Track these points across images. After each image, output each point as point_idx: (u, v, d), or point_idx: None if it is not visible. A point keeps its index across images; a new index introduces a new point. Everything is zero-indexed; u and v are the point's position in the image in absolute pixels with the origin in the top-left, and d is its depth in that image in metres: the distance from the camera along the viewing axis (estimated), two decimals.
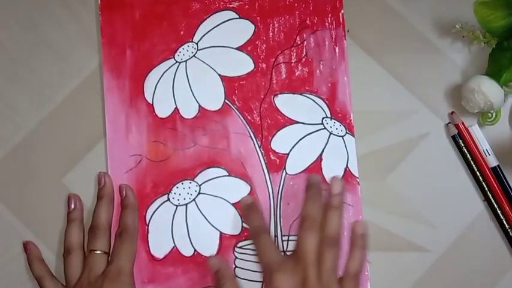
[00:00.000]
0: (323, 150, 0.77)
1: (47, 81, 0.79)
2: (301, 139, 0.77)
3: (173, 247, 0.76)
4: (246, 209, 0.75)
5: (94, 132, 0.78)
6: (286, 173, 0.76)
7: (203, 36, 0.78)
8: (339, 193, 0.69)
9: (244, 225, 0.76)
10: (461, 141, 0.77)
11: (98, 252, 0.72)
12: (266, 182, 0.76)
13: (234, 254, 0.75)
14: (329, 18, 0.78)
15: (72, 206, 0.76)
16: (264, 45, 0.78)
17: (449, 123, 0.78)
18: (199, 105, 0.77)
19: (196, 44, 0.78)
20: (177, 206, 0.76)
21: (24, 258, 0.77)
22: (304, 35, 0.78)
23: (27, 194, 0.78)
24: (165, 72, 0.78)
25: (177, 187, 0.76)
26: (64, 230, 0.75)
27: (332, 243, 0.67)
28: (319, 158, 0.77)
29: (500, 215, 0.76)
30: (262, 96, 0.77)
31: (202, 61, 0.78)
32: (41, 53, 0.79)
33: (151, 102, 0.77)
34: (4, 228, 0.77)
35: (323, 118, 0.77)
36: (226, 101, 0.77)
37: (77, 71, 0.79)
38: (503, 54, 0.75)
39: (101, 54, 0.78)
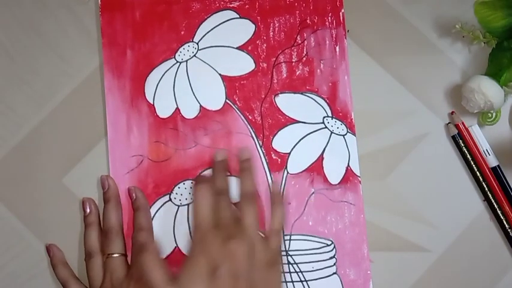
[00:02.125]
0: (324, 150, 0.77)
1: (47, 82, 0.79)
2: (302, 138, 0.77)
3: (175, 247, 0.75)
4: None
5: (94, 133, 0.78)
6: (288, 172, 0.76)
7: (204, 36, 0.78)
8: (247, 158, 0.74)
9: None
10: (461, 141, 0.77)
11: (116, 255, 0.72)
12: (268, 182, 0.76)
13: None
14: (329, 18, 0.78)
15: (88, 210, 0.76)
16: (265, 45, 0.78)
17: (449, 123, 0.78)
18: (200, 105, 0.77)
19: (197, 44, 0.78)
20: (178, 206, 0.76)
21: (23, 258, 0.77)
22: (305, 35, 0.78)
23: (27, 194, 0.77)
24: (165, 72, 0.78)
25: (179, 187, 0.76)
26: (83, 234, 0.75)
27: (250, 200, 0.69)
28: (321, 157, 0.76)
29: (500, 215, 0.76)
30: (263, 96, 0.77)
31: (202, 61, 0.78)
32: (41, 54, 0.79)
33: (152, 103, 0.77)
34: (4, 228, 0.77)
35: (324, 117, 0.77)
36: (227, 100, 0.77)
37: (77, 72, 0.79)
38: (503, 54, 0.75)
39: (101, 54, 0.78)
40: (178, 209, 0.76)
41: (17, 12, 0.80)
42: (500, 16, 0.74)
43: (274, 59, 0.78)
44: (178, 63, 0.78)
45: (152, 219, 0.76)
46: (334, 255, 0.75)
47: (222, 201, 0.70)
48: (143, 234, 0.72)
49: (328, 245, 0.75)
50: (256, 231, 0.68)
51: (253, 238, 0.67)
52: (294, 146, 0.77)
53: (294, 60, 0.78)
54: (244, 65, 0.77)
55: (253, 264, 0.65)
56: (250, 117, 0.77)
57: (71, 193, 0.77)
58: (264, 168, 0.76)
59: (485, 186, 0.77)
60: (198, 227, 0.67)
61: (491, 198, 0.76)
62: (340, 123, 0.77)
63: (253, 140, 0.77)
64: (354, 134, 0.77)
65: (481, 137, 0.77)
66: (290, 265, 0.75)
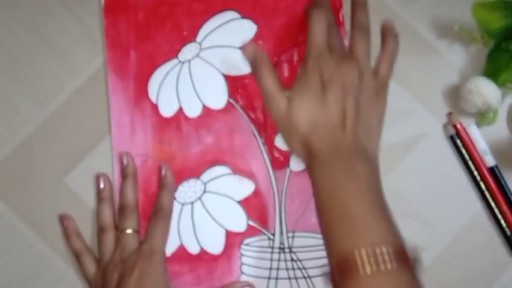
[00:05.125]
0: None
1: (50, 82, 0.79)
2: None
3: (179, 245, 0.76)
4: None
5: (95, 132, 0.78)
6: (291, 170, 0.77)
7: (206, 36, 0.79)
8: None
9: (249, 222, 0.76)
10: (459, 142, 0.77)
11: (129, 231, 0.73)
12: (270, 179, 0.76)
13: (240, 252, 0.75)
14: None
15: (102, 185, 0.76)
16: (266, 45, 0.78)
17: (447, 123, 0.78)
18: (203, 105, 0.78)
19: (200, 44, 0.78)
20: (183, 204, 0.76)
21: (25, 257, 0.77)
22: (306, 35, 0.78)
23: (30, 194, 0.77)
24: (168, 72, 0.78)
25: (183, 186, 0.76)
26: (95, 209, 0.76)
27: (364, 32, 0.71)
28: None
29: (498, 214, 0.77)
30: None
31: (205, 61, 0.78)
32: (44, 54, 0.79)
33: (155, 102, 0.77)
34: (6, 227, 0.77)
35: None
36: (229, 99, 0.78)
37: (79, 72, 0.79)
38: (501, 55, 0.75)
39: (104, 54, 0.78)
40: (182, 207, 0.76)
41: (19, 13, 0.80)
42: (498, 17, 0.74)
43: (276, 58, 0.78)
44: (181, 63, 0.78)
45: None
46: None
47: (334, 31, 0.72)
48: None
49: None
50: (368, 62, 0.70)
51: (364, 66, 0.69)
52: None
53: (295, 60, 0.78)
54: (246, 64, 0.76)
55: (362, 88, 0.68)
56: (252, 116, 0.77)
57: (73, 193, 0.77)
58: (267, 166, 0.77)
59: (483, 186, 0.77)
60: (315, 46, 0.69)
61: (489, 197, 0.77)
62: None
63: (256, 138, 0.77)
64: None
65: (478, 137, 0.77)
66: (294, 262, 0.75)
